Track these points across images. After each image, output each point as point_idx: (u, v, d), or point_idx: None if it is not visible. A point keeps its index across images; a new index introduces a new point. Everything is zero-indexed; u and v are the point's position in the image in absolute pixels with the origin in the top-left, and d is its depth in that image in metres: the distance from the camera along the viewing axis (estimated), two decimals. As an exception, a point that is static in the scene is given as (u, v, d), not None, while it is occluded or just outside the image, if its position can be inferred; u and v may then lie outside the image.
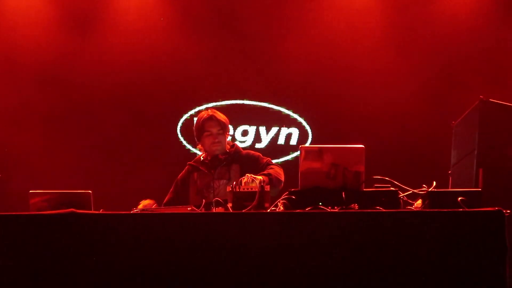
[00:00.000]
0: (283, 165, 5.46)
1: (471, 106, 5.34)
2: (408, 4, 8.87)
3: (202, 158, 5.45)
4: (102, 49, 8.82)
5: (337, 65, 8.83)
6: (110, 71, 8.82)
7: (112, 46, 8.83)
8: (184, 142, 8.97)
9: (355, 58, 8.82)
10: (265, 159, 5.38)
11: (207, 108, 5.66)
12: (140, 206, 4.94)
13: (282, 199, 4.04)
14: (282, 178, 5.17)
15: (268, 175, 5.08)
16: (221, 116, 5.44)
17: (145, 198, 5.29)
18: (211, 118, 5.42)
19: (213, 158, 5.39)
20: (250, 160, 5.37)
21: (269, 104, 8.95)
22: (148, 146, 8.84)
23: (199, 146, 5.50)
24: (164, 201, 5.38)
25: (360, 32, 8.84)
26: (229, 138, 5.52)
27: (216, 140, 5.38)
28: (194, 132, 5.51)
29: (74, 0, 8.89)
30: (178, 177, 5.49)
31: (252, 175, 4.43)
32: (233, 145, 5.49)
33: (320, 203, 3.93)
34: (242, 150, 5.49)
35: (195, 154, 8.91)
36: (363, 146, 4.08)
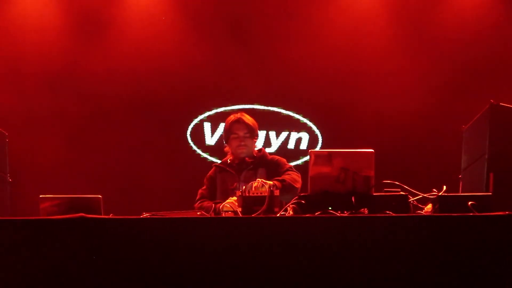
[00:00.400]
0: (293, 169, 5.46)
1: (481, 110, 5.32)
2: (418, 8, 8.85)
3: (229, 161, 5.48)
4: (112, 55, 8.82)
5: (347, 70, 8.82)
6: (121, 77, 8.84)
7: (122, 52, 8.84)
8: (194, 147, 8.97)
9: (365, 62, 8.80)
10: (287, 165, 5.43)
11: (237, 111, 5.71)
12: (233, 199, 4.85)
13: (292, 204, 4.04)
14: (298, 185, 5.17)
15: (282, 181, 5.10)
16: (249, 120, 5.49)
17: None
18: (239, 121, 5.47)
19: (240, 161, 5.41)
20: (274, 165, 5.42)
21: (279, 108, 8.94)
22: (158, 151, 8.85)
23: (227, 148, 5.54)
24: (197, 197, 5.45)
25: (369, 36, 8.82)
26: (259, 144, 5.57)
27: (242, 143, 5.43)
28: (223, 134, 5.56)
29: (85, 8, 8.91)
30: (207, 175, 5.55)
31: (262, 180, 4.44)
32: (260, 150, 5.53)
33: (330, 208, 3.92)
34: (268, 155, 5.54)
35: (205, 158, 8.94)
36: (372, 150, 4.08)
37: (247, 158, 5.42)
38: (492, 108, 5.11)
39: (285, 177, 5.19)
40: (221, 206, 4.80)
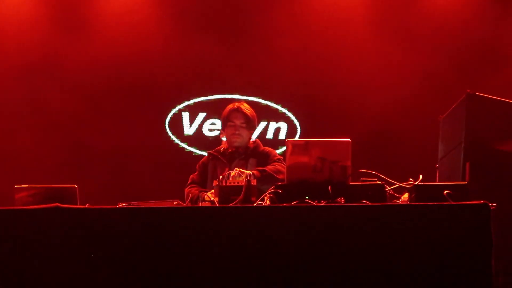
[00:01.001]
0: (271, 160, 5.45)
1: (458, 100, 5.34)
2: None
3: (222, 149, 5.48)
4: (91, 45, 8.77)
5: (326, 60, 8.82)
6: (99, 67, 8.78)
7: (101, 42, 8.79)
8: (173, 137, 8.94)
9: (344, 53, 8.81)
10: (276, 156, 5.43)
11: (238, 100, 5.72)
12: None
13: (269, 193, 4.04)
14: (281, 176, 5.13)
15: (262, 171, 5.11)
16: (248, 110, 5.50)
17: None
18: (237, 109, 5.48)
19: (233, 150, 5.43)
20: (264, 156, 5.42)
21: (258, 98, 8.93)
22: (136, 141, 8.81)
23: (223, 135, 5.56)
24: (188, 181, 5.44)
25: (348, 25, 8.83)
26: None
27: (237, 132, 5.43)
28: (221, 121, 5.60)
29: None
30: (200, 161, 5.56)
31: (240, 169, 4.44)
32: (255, 141, 5.52)
33: (307, 197, 3.92)
34: (262, 146, 5.54)
35: (184, 148, 8.92)
36: (349, 139, 4.08)
37: (240, 148, 5.43)
38: (469, 97, 5.13)
39: (268, 167, 5.20)
40: (199, 195, 4.79)
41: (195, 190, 5.22)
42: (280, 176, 5.14)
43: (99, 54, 8.77)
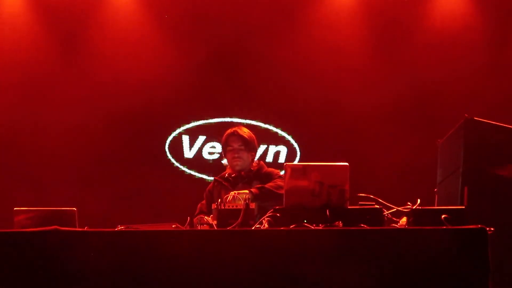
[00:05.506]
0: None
1: (456, 124, 5.36)
2: (396, 19, 8.91)
3: (227, 175, 5.50)
4: (90, 69, 8.80)
5: (325, 83, 8.85)
6: (98, 90, 8.79)
7: (100, 66, 8.82)
8: (173, 160, 8.95)
9: (342, 76, 8.84)
10: (278, 174, 5.43)
11: (236, 125, 5.72)
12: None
13: (267, 217, 4.05)
14: (281, 191, 5.09)
15: (260, 188, 5.09)
16: (245, 133, 5.51)
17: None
18: (233, 133, 5.51)
19: (237, 174, 5.44)
20: (267, 177, 5.41)
21: (257, 122, 8.96)
22: (136, 164, 8.81)
23: (225, 161, 5.58)
24: (196, 211, 5.44)
25: (347, 49, 8.86)
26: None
27: (236, 155, 5.45)
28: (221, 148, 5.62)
29: (62, 21, 8.88)
30: (206, 189, 5.57)
31: (236, 192, 4.45)
32: (259, 163, 5.52)
33: (305, 221, 3.93)
34: (265, 167, 5.54)
35: (183, 172, 8.92)
36: (347, 164, 4.10)
37: (242, 172, 5.44)
38: (467, 122, 5.15)
39: (269, 183, 5.19)
40: (197, 219, 4.80)
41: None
42: (281, 191, 5.11)
43: (98, 78, 8.79)
